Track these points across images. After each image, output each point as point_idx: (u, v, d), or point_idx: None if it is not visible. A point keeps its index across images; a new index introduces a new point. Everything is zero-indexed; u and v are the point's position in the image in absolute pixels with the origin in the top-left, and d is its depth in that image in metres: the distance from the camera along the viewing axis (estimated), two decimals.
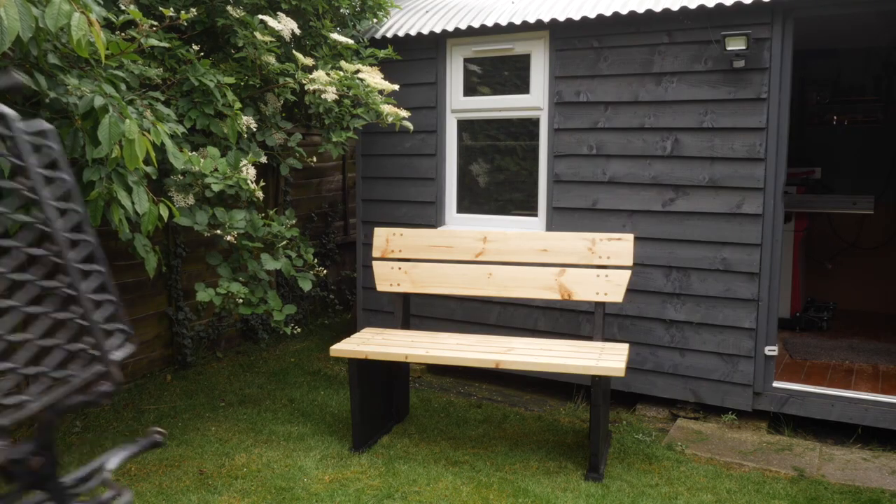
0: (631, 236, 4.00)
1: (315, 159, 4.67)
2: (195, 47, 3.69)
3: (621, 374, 3.44)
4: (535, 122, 4.71)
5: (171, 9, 3.39)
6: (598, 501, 3.30)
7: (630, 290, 4.11)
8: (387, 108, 4.28)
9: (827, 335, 5.48)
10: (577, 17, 4.30)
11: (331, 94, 4.07)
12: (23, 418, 1.14)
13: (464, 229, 4.85)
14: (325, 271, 4.32)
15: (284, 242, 3.89)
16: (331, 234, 6.74)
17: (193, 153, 3.54)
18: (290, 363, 5.39)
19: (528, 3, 4.65)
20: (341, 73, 4.16)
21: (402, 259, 4.33)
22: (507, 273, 4.16)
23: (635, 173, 4.33)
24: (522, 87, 4.73)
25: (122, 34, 3.24)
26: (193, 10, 3.70)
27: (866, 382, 4.30)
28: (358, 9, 5.07)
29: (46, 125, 1.25)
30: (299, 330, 4.46)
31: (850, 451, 3.88)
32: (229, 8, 3.86)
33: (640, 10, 4.13)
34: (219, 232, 3.60)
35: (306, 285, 3.91)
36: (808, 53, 6.22)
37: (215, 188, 3.44)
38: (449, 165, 5.03)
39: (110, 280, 1.28)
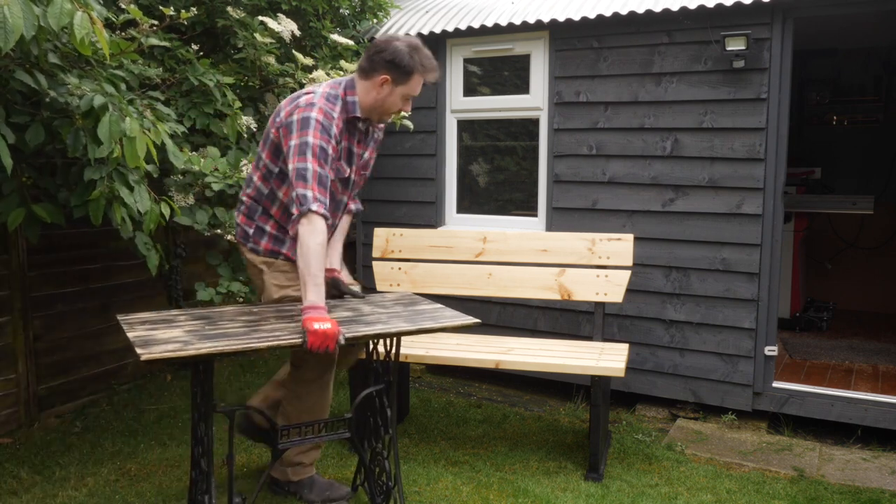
0: (631, 236, 4.00)
1: None
2: (195, 47, 3.69)
3: (621, 374, 3.45)
4: (534, 122, 4.71)
5: (172, 8, 3.40)
6: (597, 501, 3.30)
7: (630, 290, 4.12)
8: None
9: (827, 335, 5.48)
10: (576, 18, 4.30)
11: None
12: None
13: (464, 229, 4.85)
14: None
15: None
16: None
17: (193, 153, 3.55)
18: None
19: (528, 3, 4.65)
20: (341, 73, 4.16)
21: (402, 259, 4.33)
22: (506, 273, 4.16)
23: (635, 173, 4.33)
24: (522, 87, 4.73)
25: (122, 34, 3.24)
26: (194, 8, 3.71)
27: (866, 382, 4.31)
28: (358, 9, 5.08)
29: None
30: None
31: (850, 452, 3.88)
32: (229, 9, 3.86)
33: (640, 11, 4.13)
34: (219, 232, 3.61)
35: None
36: (808, 53, 6.23)
37: (215, 188, 3.46)
38: (449, 165, 5.04)
39: None
